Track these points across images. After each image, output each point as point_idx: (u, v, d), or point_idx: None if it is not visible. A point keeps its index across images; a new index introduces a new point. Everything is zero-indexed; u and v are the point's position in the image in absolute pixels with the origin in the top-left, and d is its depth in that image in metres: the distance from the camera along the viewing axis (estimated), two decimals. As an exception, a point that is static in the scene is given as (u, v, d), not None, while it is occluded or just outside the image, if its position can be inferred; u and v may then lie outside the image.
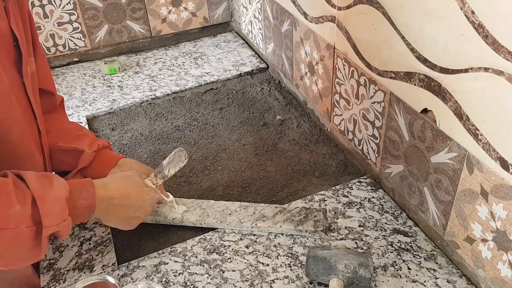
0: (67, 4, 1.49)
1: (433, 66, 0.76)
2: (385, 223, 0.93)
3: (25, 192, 0.67)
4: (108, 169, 0.92)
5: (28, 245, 0.68)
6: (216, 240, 0.91)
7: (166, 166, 0.91)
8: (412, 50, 0.80)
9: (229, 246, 0.89)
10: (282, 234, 0.91)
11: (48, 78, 0.92)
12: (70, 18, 1.51)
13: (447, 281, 0.81)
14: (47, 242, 0.70)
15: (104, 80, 1.49)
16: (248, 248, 0.89)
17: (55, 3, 1.48)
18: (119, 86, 1.46)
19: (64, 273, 0.85)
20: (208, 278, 0.83)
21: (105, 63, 1.53)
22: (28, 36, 0.80)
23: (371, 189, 1.02)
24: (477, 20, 0.65)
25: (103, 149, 0.94)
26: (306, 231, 0.90)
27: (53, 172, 0.91)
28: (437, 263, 0.84)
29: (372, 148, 1.02)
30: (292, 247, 0.89)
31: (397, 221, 0.94)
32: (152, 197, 0.86)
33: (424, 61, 0.78)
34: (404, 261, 0.85)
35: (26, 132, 0.78)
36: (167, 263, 0.86)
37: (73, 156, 0.91)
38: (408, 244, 0.88)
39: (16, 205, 0.65)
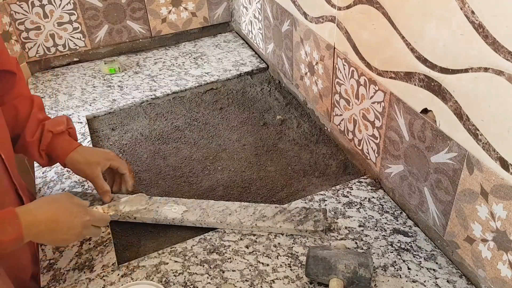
0: (67, 4, 1.49)
1: (433, 66, 0.76)
2: (385, 223, 0.93)
3: None
4: (65, 156, 0.95)
5: None
6: (216, 240, 0.91)
7: (123, 203, 0.94)
8: (412, 50, 0.80)
9: (229, 246, 0.89)
10: (282, 234, 0.91)
11: (2, 57, 0.90)
12: (70, 18, 1.51)
13: (447, 281, 0.81)
14: None
15: (104, 80, 1.49)
16: (248, 248, 0.89)
17: (55, 3, 1.48)
18: (119, 86, 1.46)
19: (64, 273, 0.85)
20: (208, 278, 0.83)
21: (105, 63, 1.53)
22: None
23: (371, 189, 1.02)
24: (477, 20, 0.65)
25: (60, 134, 0.96)
26: (306, 231, 0.90)
27: None
28: (437, 263, 0.84)
29: (372, 148, 1.02)
30: (292, 247, 0.89)
31: (397, 221, 0.94)
32: (82, 219, 0.81)
33: (424, 61, 0.78)
34: (404, 261, 0.85)
35: None
36: (167, 263, 0.86)
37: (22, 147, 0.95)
38: (408, 244, 0.88)
39: None
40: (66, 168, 1.06)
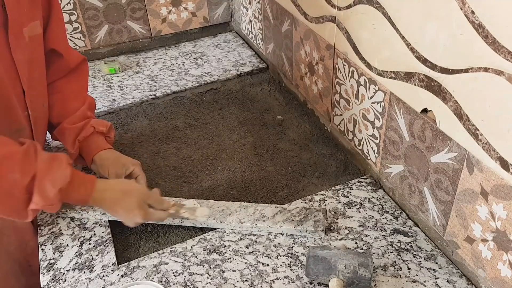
0: (67, 4, 1.49)
1: (433, 66, 0.76)
2: (385, 223, 0.93)
3: (31, 166, 0.76)
4: (97, 151, 1.02)
5: (16, 207, 0.76)
6: (216, 240, 0.91)
7: (186, 209, 0.94)
8: (412, 50, 0.80)
9: (229, 246, 0.89)
10: (282, 234, 0.91)
11: (59, 39, 1.00)
12: (70, 18, 1.51)
13: (447, 281, 0.81)
14: (34, 212, 0.78)
15: (104, 80, 1.49)
16: (248, 248, 0.89)
17: (55, 3, 1.48)
18: (119, 86, 1.46)
19: (64, 273, 0.85)
20: (208, 278, 0.83)
21: (105, 63, 1.53)
22: (35, 1, 0.87)
23: (371, 189, 1.02)
24: (477, 20, 0.65)
25: (100, 133, 1.04)
26: (306, 231, 0.90)
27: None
28: (437, 263, 0.84)
29: (372, 148, 1.02)
30: (292, 247, 0.89)
31: (397, 221, 0.94)
32: (145, 191, 0.90)
33: (424, 61, 0.78)
34: (404, 261, 0.85)
35: (8, 89, 0.84)
36: (167, 263, 0.86)
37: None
38: (408, 244, 0.88)
39: (17, 173, 0.74)
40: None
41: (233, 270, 0.84)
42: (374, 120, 0.98)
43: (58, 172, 0.79)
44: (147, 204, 0.88)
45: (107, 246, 0.90)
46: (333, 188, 1.02)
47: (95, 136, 1.03)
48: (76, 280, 0.84)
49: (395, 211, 0.96)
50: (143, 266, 0.86)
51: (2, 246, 0.92)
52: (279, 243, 0.90)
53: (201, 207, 0.94)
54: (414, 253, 0.86)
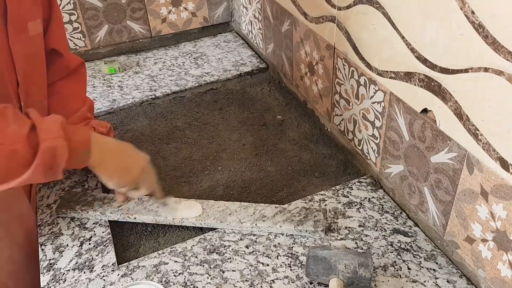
0: (67, 4, 1.49)
1: (433, 66, 0.76)
2: (385, 223, 0.93)
3: (25, 118, 0.73)
4: None
5: (23, 166, 0.71)
6: (216, 240, 0.91)
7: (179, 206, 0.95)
8: (412, 50, 0.80)
9: (229, 246, 0.89)
10: (282, 234, 0.91)
11: (59, 39, 1.00)
12: (70, 18, 1.51)
13: (447, 281, 0.81)
14: (40, 163, 0.71)
15: (104, 80, 1.49)
16: (248, 248, 0.89)
17: (55, 3, 1.48)
18: (119, 86, 1.46)
19: (64, 273, 0.85)
20: (208, 278, 0.83)
21: (105, 63, 1.53)
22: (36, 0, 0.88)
23: (371, 189, 1.02)
24: (477, 20, 0.65)
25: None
26: (306, 231, 0.90)
27: None
28: (437, 263, 0.84)
29: (372, 148, 1.02)
30: (292, 247, 0.89)
31: (397, 221, 0.94)
32: (146, 160, 0.88)
33: (424, 61, 0.78)
34: (404, 261, 0.85)
35: (5, 79, 0.83)
36: (167, 263, 0.86)
37: None
38: (408, 244, 0.88)
39: (14, 124, 0.70)
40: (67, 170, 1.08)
41: (233, 270, 0.84)
42: (374, 120, 0.98)
43: (51, 117, 0.77)
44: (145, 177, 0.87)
45: (107, 246, 0.90)
46: (333, 188, 1.02)
47: None
48: (76, 280, 0.84)
49: (395, 211, 0.96)
50: (143, 266, 0.86)
51: (12, 239, 0.93)
52: (279, 243, 0.90)
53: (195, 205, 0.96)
54: (414, 253, 0.86)
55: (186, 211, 0.94)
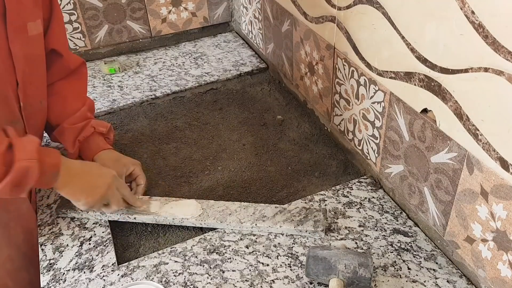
0: (67, 4, 1.49)
1: (433, 66, 0.76)
2: (385, 223, 0.93)
3: (2, 136, 0.78)
4: (98, 151, 1.03)
5: None
6: (216, 240, 0.91)
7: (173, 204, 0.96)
8: (412, 50, 0.80)
9: (229, 246, 0.89)
10: (282, 234, 0.91)
11: (60, 39, 1.01)
12: (70, 18, 1.51)
13: (447, 281, 0.81)
14: (10, 181, 0.76)
15: (104, 80, 1.49)
16: (248, 248, 0.89)
17: (55, 3, 1.48)
18: (119, 86, 1.46)
19: (64, 273, 0.85)
20: (208, 278, 0.83)
21: (105, 63, 1.53)
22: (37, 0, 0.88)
23: (371, 189, 1.02)
24: (477, 20, 0.65)
25: (100, 134, 1.05)
26: (306, 231, 0.90)
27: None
28: (437, 263, 0.84)
29: (372, 148, 1.02)
30: (292, 247, 0.89)
31: (397, 221, 0.94)
32: (111, 176, 0.91)
33: (424, 61, 0.78)
34: (404, 261, 0.85)
35: (4, 79, 0.85)
36: (167, 263, 0.86)
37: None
38: (408, 244, 0.88)
39: None
40: None
41: (233, 270, 0.84)
42: (374, 120, 0.98)
43: (28, 136, 0.82)
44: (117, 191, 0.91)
45: (107, 246, 0.90)
46: (333, 188, 1.02)
47: (95, 137, 1.04)
48: (76, 280, 0.84)
49: (395, 211, 0.96)
50: (143, 266, 0.86)
51: (11, 239, 0.93)
52: (279, 243, 0.90)
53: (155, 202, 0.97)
54: (414, 253, 0.86)
55: (184, 209, 0.94)
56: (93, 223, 0.96)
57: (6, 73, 0.85)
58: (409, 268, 0.84)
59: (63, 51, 1.02)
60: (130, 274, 0.85)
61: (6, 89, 0.86)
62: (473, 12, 0.65)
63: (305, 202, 0.99)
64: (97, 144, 1.03)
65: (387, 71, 0.89)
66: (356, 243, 0.89)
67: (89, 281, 0.84)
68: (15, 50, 0.84)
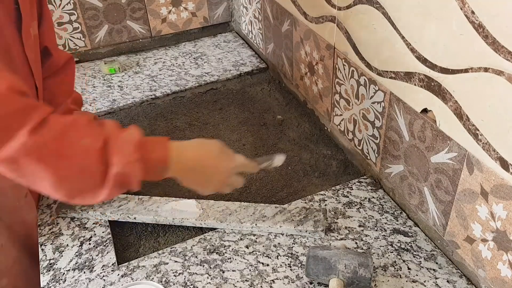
0: (67, 4, 1.49)
1: (433, 66, 0.76)
2: (385, 223, 0.93)
3: (99, 131, 0.70)
4: None
5: (93, 182, 0.68)
6: (216, 240, 0.91)
7: (264, 163, 0.88)
8: (412, 50, 0.80)
9: (229, 246, 0.89)
10: (282, 234, 0.91)
11: (50, 36, 0.99)
12: (70, 18, 1.51)
13: (447, 281, 0.81)
14: (114, 185, 0.69)
15: (104, 80, 1.49)
16: (248, 248, 0.89)
17: (55, 3, 1.48)
18: (119, 86, 1.46)
19: (64, 273, 0.85)
20: (208, 278, 0.83)
21: (105, 63, 1.53)
22: (33, 1, 0.87)
23: (371, 189, 1.02)
24: (477, 20, 0.65)
25: None
26: (306, 231, 0.90)
27: None
28: (437, 263, 0.84)
29: (372, 148, 1.02)
30: (292, 247, 0.89)
31: (397, 221, 0.94)
32: (229, 166, 0.81)
33: (424, 61, 0.78)
34: (404, 261, 0.85)
35: (27, 85, 0.83)
36: (167, 263, 0.86)
37: None
38: (408, 244, 0.88)
39: (87, 137, 0.67)
40: None
41: (233, 270, 0.84)
42: (374, 120, 0.98)
43: (128, 131, 0.72)
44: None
45: (107, 246, 0.90)
46: (333, 188, 1.02)
47: None
48: (76, 280, 0.84)
49: (395, 211, 0.96)
50: (143, 266, 0.86)
51: (15, 241, 0.92)
52: (279, 243, 0.90)
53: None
54: (414, 253, 0.86)
55: (184, 209, 0.95)
56: (93, 223, 0.96)
57: (28, 78, 0.85)
58: (409, 268, 0.84)
59: (53, 47, 1.01)
60: (130, 274, 0.85)
61: (34, 95, 0.86)
62: (473, 12, 0.65)
63: (305, 202, 0.99)
64: None
65: (387, 71, 0.89)
66: (356, 243, 0.89)
67: (89, 281, 0.84)
68: (30, 56, 0.84)
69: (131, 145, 0.70)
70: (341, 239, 0.90)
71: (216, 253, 0.88)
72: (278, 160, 0.88)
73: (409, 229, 0.92)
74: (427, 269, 0.83)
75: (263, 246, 0.89)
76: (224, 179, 0.82)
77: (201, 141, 0.82)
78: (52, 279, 0.84)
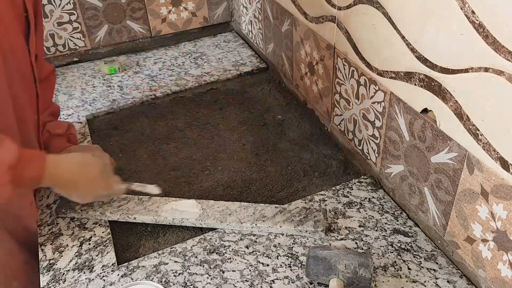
0: (67, 4, 1.49)
1: (433, 66, 0.76)
2: (385, 223, 0.93)
3: None
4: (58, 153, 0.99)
5: None
6: (216, 240, 0.91)
7: (137, 186, 0.94)
8: (412, 50, 0.80)
9: (229, 246, 0.89)
10: (282, 234, 0.91)
11: (40, 45, 0.99)
12: (70, 18, 1.51)
13: (447, 281, 0.81)
14: None
15: (104, 80, 1.49)
16: (248, 248, 0.89)
17: (55, 3, 1.48)
18: (119, 86, 1.46)
19: (64, 273, 0.85)
20: (208, 278, 0.83)
21: (105, 63, 1.53)
22: (34, 7, 0.88)
23: (371, 189, 1.02)
24: (477, 20, 0.65)
25: (57, 136, 1.02)
26: (306, 231, 0.90)
27: None
28: (437, 263, 0.84)
29: (372, 148, 1.02)
30: (292, 247, 0.89)
31: (397, 221, 0.94)
32: (100, 192, 0.89)
33: (424, 61, 0.78)
34: (404, 261, 0.85)
35: (32, 91, 0.87)
36: (167, 263, 0.86)
37: None
38: (408, 244, 0.88)
39: None
40: None
41: (233, 270, 0.84)
42: (374, 120, 0.98)
43: (2, 148, 0.71)
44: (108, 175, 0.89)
45: (107, 246, 0.90)
46: (333, 188, 1.02)
47: (53, 140, 1.01)
48: (76, 280, 0.84)
49: (395, 211, 0.96)
50: (143, 266, 0.86)
51: (13, 237, 0.93)
52: (279, 243, 0.89)
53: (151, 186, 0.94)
54: (414, 253, 0.86)
55: (184, 209, 0.94)
56: (93, 223, 0.96)
57: (33, 86, 0.88)
58: (409, 268, 0.83)
59: (40, 57, 1.00)
60: (130, 274, 0.85)
61: (34, 102, 0.89)
62: (473, 12, 0.65)
63: (305, 202, 0.98)
64: (55, 147, 1.00)
65: (387, 71, 0.89)
66: (356, 243, 0.89)
67: (89, 281, 0.84)
68: (34, 63, 0.87)
69: (4, 166, 0.70)
70: (341, 239, 0.90)
71: (216, 253, 0.88)
72: (151, 189, 0.93)
73: (409, 229, 0.92)
74: (427, 269, 0.83)
75: (263, 246, 0.89)
76: (93, 198, 0.90)
77: (82, 160, 0.87)
78: (52, 279, 0.84)
